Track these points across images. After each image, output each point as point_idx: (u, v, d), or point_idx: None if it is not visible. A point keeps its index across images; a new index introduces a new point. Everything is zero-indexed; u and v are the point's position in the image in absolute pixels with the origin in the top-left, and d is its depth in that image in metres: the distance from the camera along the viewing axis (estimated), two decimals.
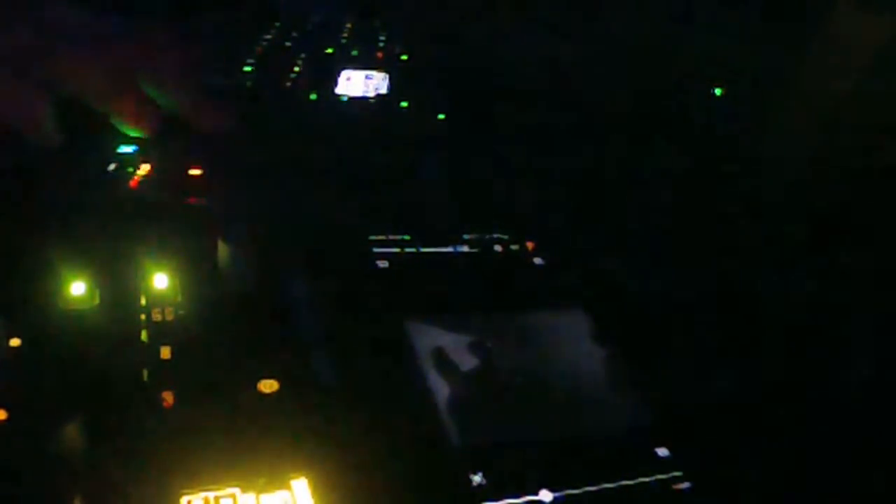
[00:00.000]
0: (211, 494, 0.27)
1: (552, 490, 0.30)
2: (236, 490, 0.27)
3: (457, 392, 0.34)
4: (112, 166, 0.48)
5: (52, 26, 0.45)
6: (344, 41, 0.83)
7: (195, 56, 0.52)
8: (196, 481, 0.27)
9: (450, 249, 0.44)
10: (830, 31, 0.62)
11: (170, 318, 0.35)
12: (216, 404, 0.31)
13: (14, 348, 0.31)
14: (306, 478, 0.28)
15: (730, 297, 0.44)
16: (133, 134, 0.49)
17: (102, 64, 0.45)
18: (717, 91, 0.71)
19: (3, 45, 0.42)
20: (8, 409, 0.28)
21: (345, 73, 0.69)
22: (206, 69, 0.60)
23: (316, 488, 0.28)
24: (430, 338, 0.36)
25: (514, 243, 0.45)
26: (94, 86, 0.45)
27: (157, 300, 0.35)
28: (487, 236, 0.45)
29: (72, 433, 0.28)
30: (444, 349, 0.36)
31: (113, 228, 0.40)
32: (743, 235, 0.51)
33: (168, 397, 0.30)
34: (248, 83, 0.66)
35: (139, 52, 0.48)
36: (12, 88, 0.42)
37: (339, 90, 0.67)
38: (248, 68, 0.69)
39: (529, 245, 0.45)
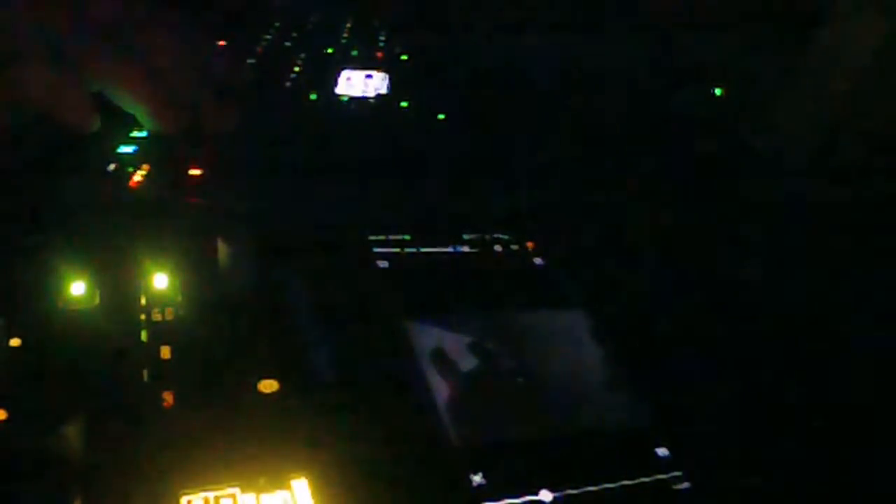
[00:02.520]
0: (211, 494, 0.27)
1: (552, 490, 0.30)
2: (236, 490, 0.27)
3: (457, 392, 0.34)
4: (112, 166, 0.48)
5: (94, 22, 0.45)
6: (344, 41, 0.83)
7: (204, 53, 0.52)
8: (196, 481, 0.27)
9: (450, 249, 0.44)
10: (830, 31, 0.62)
11: (170, 318, 0.35)
12: (216, 404, 0.31)
13: (14, 348, 0.31)
14: (306, 478, 0.28)
15: (730, 297, 0.44)
16: (153, 129, 0.49)
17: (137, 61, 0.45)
18: (717, 91, 0.71)
19: (50, 39, 0.42)
20: (8, 409, 0.28)
21: (345, 73, 0.69)
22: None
23: (316, 488, 0.28)
24: (430, 338, 0.36)
25: (514, 243, 0.45)
26: (129, 83, 0.45)
27: (157, 300, 0.35)
28: (487, 236, 0.45)
29: (72, 433, 0.28)
30: (444, 349, 0.36)
31: (113, 228, 0.40)
32: (743, 235, 0.51)
33: (168, 397, 0.30)
34: (248, 83, 0.66)
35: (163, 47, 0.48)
36: (55, 81, 0.42)
37: (339, 90, 0.67)
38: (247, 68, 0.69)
39: (529, 245, 0.45)
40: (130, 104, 0.46)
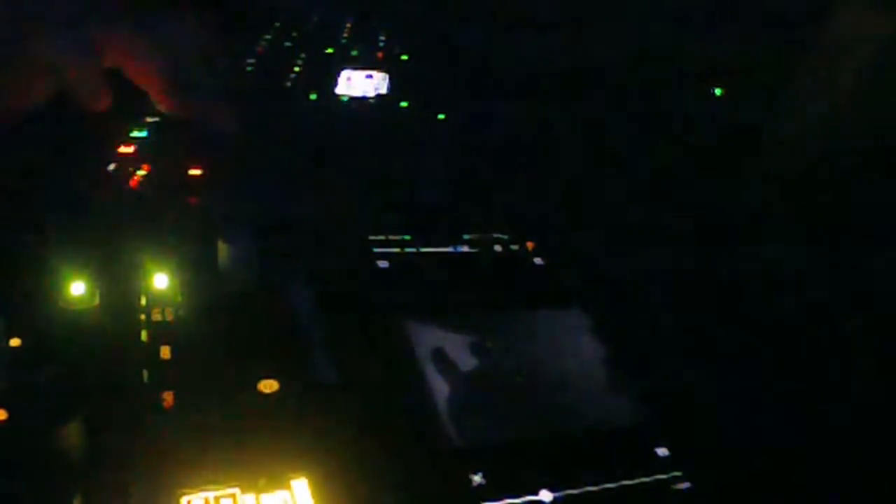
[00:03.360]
0: (211, 494, 0.27)
1: (552, 490, 0.30)
2: (236, 490, 0.27)
3: (457, 392, 0.34)
4: (112, 166, 0.48)
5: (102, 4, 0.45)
6: (344, 41, 0.83)
7: (210, 51, 0.52)
8: (196, 481, 0.27)
9: (450, 249, 0.44)
10: (830, 32, 0.62)
11: (170, 318, 0.35)
12: (216, 404, 0.31)
13: (14, 348, 0.31)
14: (306, 478, 0.28)
15: (729, 297, 0.44)
16: (164, 109, 0.48)
17: (149, 42, 0.45)
18: (717, 91, 0.71)
19: (58, 16, 0.42)
20: (8, 409, 0.28)
21: (345, 73, 0.69)
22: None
23: (316, 488, 0.28)
24: (430, 338, 0.36)
25: (514, 243, 0.45)
26: (145, 58, 0.45)
27: (157, 300, 0.35)
28: (487, 236, 0.45)
29: (72, 433, 0.28)
30: (444, 349, 0.36)
31: (113, 228, 0.40)
32: (743, 235, 0.51)
33: (168, 397, 0.30)
34: (249, 83, 0.66)
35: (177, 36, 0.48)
36: (73, 54, 0.42)
37: (339, 90, 0.67)
38: (248, 68, 0.69)
39: (529, 245, 0.45)
40: (144, 81, 0.46)
